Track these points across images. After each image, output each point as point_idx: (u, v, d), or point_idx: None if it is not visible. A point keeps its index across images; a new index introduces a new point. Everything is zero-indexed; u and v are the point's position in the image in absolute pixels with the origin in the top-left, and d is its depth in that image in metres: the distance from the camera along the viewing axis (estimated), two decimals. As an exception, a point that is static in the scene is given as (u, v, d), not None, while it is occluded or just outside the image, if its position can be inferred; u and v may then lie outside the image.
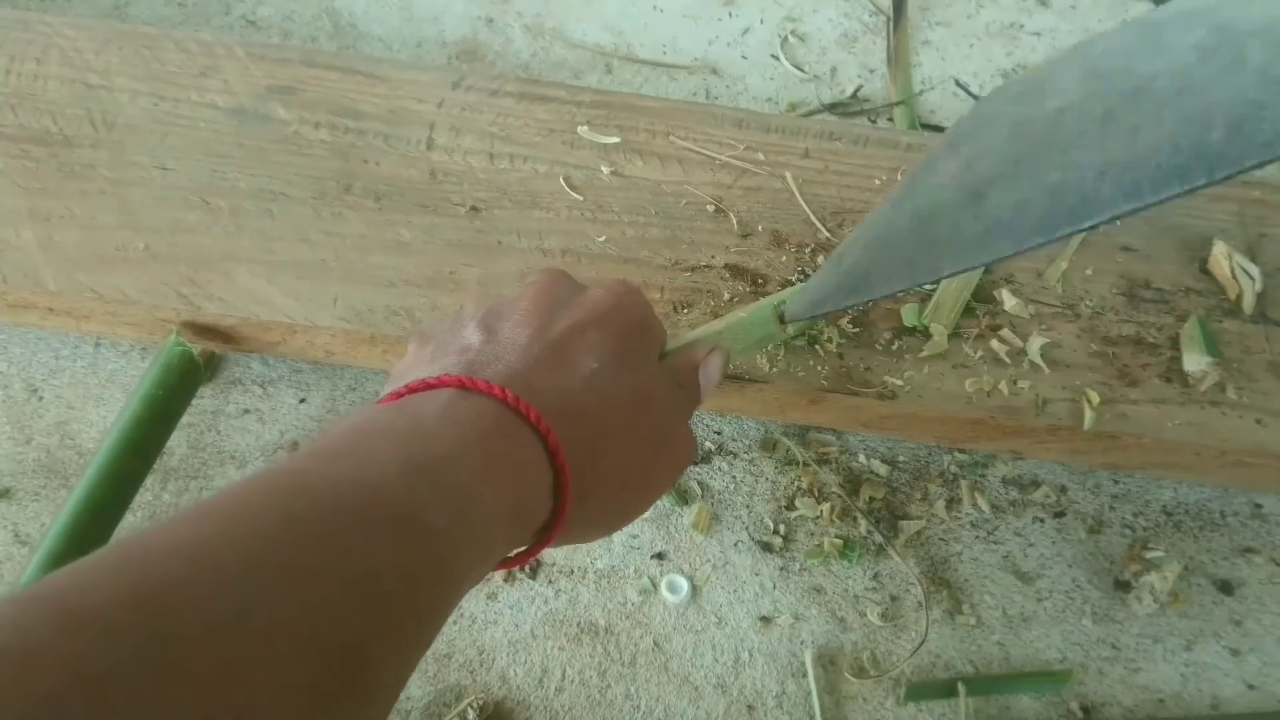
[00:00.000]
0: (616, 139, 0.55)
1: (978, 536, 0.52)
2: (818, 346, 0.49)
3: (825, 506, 0.51)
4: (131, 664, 0.18)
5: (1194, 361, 0.50)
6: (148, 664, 0.19)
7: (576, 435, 0.31)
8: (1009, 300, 0.51)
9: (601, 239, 0.51)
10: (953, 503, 0.53)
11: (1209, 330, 0.51)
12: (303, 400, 0.54)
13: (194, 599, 0.20)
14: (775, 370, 0.48)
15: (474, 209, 0.52)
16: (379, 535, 0.24)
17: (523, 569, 0.50)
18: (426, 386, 0.31)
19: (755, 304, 0.43)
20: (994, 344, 0.50)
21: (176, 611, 0.20)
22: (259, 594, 0.21)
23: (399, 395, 0.31)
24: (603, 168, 0.54)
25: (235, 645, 0.20)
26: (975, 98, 0.68)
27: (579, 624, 0.49)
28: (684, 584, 0.50)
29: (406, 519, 0.25)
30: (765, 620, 0.49)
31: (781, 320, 0.42)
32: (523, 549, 0.32)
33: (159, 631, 0.19)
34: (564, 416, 0.31)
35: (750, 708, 0.47)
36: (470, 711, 0.46)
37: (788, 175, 0.54)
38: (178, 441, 0.51)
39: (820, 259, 0.52)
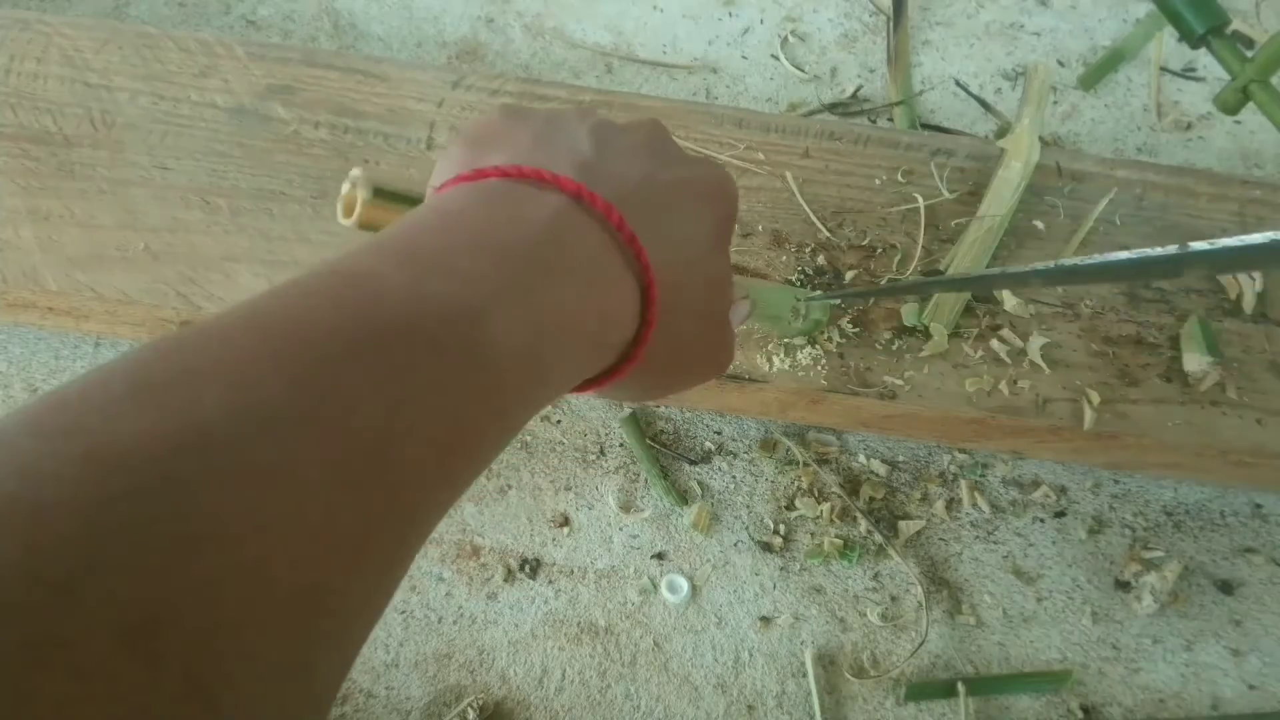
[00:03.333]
0: (616, 139, 0.54)
1: (978, 536, 0.52)
2: (818, 346, 0.49)
3: (825, 506, 0.51)
4: (156, 519, 0.16)
5: (1194, 361, 0.50)
6: (175, 519, 0.16)
7: (665, 290, 0.29)
8: (1009, 300, 0.51)
9: (601, 239, 0.51)
10: (953, 503, 0.53)
11: (1209, 330, 0.51)
12: (302, 400, 0.53)
13: (234, 443, 0.18)
14: (775, 370, 0.48)
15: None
16: (454, 376, 0.22)
17: (527, 571, 0.50)
18: (539, 178, 0.28)
19: (779, 285, 0.44)
20: (994, 344, 0.50)
21: (213, 457, 0.17)
22: (309, 441, 0.19)
23: (505, 174, 0.28)
24: (603, 167, 0.54)
25: (276, 500, 0.18)
26: (975, 98, 0.68)
27: (579, 624, 0.49)
28: (684, 584, 0.50)
29: (488, 362, 0.23)
30: (765, 620, 0.49)
31: (794, 311, 0.43)
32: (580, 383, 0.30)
33: (190, 480, 0.17)
34: (660, 266, 0.29)
35: (750, 708, 0.47)
36: (470, 711, 0.46)
37: (788, 175, 0.54)
38: (177, 441, 0.51)
39: (820, 259, 0.52)
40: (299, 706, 0.18)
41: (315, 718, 0.19)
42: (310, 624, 0.18)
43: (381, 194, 0.31)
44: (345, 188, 0.33)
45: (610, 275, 0.28)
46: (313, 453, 0.19)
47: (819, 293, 0.47)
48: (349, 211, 0.33)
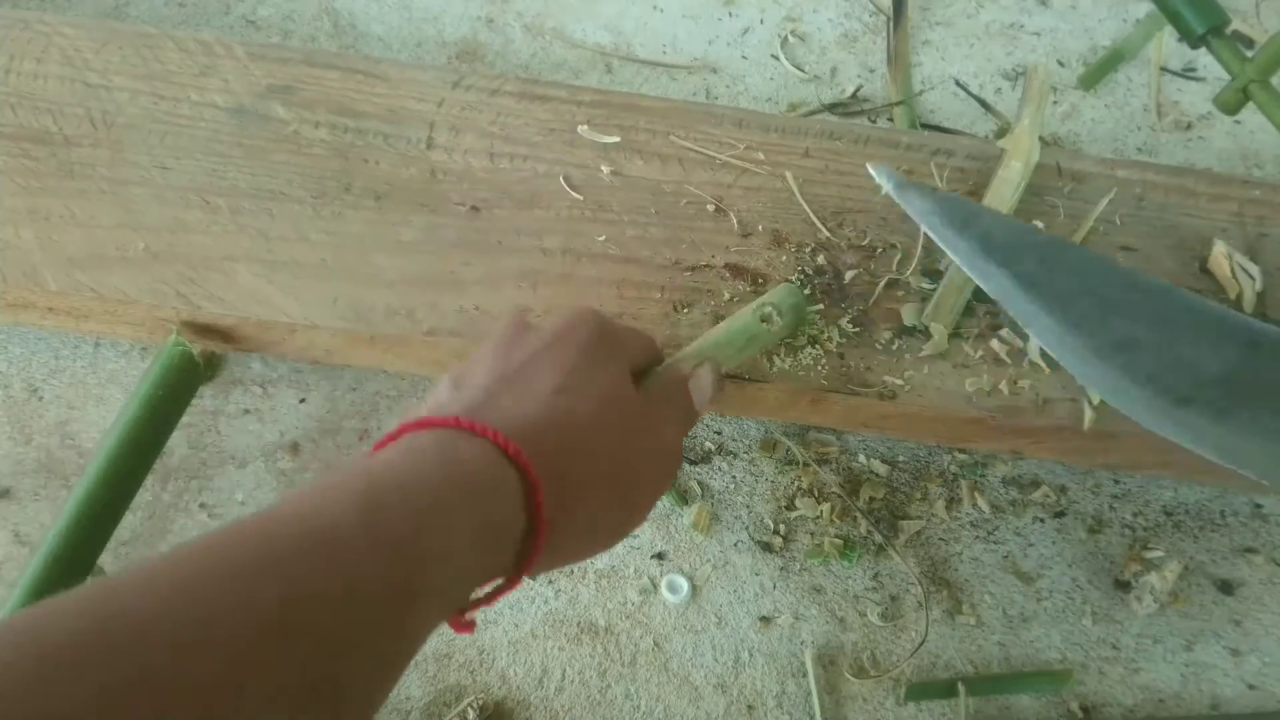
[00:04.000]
0: (617, 139, 0.55)
1: (978, 536, 0.52)
2: (818, 345, 0.49)
3: (825, 506, 0.51)
4: (98, 705, 0.19)
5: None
6: (115, 705, 0.19)
7: (545, 450, 0.32)
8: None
9: (602, 238, 0.51)
10: (953, 503, 0.53)
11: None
12: (303, 400, 0.53)
13: (164, 635, 0.20)
14: (775, 370, 0.48)
15: (474, 208, 0.52)
16: (340, 562, 0.25)
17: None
18: (389, 438, 0.32)
19: (738, 312, 0.45)
20: (994, 344, 0.50)
21: (144, 648, 0.20)
22: (229, 631, 0.21)
23: (390, 438, 0.32)
24: (603, 167, 0.54)
25: (206, 681, 0.20)
26: (975, 98, 0.68)
27: (579, 624, 0.49)
28: (684, 584, 0.50)
29: (368, 542, 0.26)
30: (765, 620, 0.49)
31: (764, 321, 0.44)
32: (502, 580, 0.32)
33: (125, 671, 0.19)
34: (529, 434, 0.32)
35: (750, 708, 0.47)
36: (470, 711, 0.46)
37: (788, 175, 0.54)
38: (178, 441, 0.51)
39: (820, 258, 0.52)
40: None
41: None
42: None
43: None
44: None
45: (478, 464, 0.30)
46: (207, 658, 0.21)
47: (780, 286, 0.47)
48: None
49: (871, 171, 0.46)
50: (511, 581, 0.32)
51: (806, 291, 0.50)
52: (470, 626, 0.31)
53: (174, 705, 0.20)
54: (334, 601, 0.24)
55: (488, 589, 0.31)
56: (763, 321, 0.44)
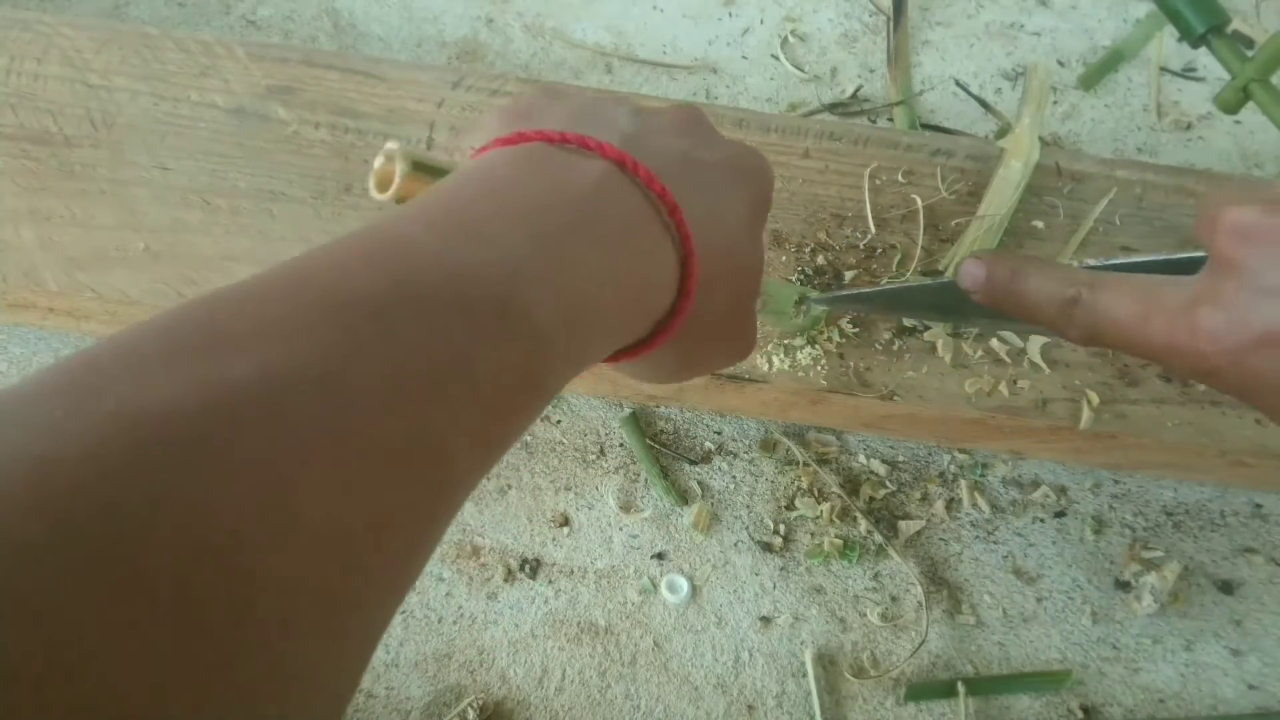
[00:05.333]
0: (616, 139, 0.54)
1: (978, 536, 0.52)
2: (818, 346, 0.49)
3: (825, 506, 0.51)
4: (185, 472, 0.16)
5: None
6: (201, 474, 0.16)
7: (703, 260, 0.29)
8: (1009, 300, 0.51)
9: (601, 239, 0.51)
10: (953, 503, 0.53)
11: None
12: (303, 400, 0.53)
13: (265, 402, 0.18)
14: (775, 370, 0.48)
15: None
16: (487, 336, 0.22)
17: (527, 570, 0.50)
18: (583, 144, 0.27)
19: (777, 282, 0.44)
20: (994, 344, 0.50)
21: (243, 414, 0.17)
22: (337, 403, 0.18)
23: (548, 139, 0.27)
24: (603, 168, 0.54)
25: (309, 455, 0.18)
26: (975, 98, 0.68)
27: (579, 624, 0.49)
28: (684, 584, 0.50)
29: (523, 331, 0.23)
30: (765, 620, 0.49)
31: (800, 305, 0.44)
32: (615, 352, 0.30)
33: (217, 438, 0.17)
34: (700, 240, 0.29)
35: (750, 708, 0.47)
36: (470, 711, 0.46)
37: (788, 175, 0.54)
38: (178, 441, 0.51)
39: (820, 259, 0.52)
40: (335, 665, 0.18)
41: (346, 681, 0.19)
42: (341, 573, 0.18)
43: (420, 167, 0.31)
44: (379, 161, 0.32)
45: (650, 243, 0.27)
46: (339, 415, 0.18)
47: (820, 293, 0.47)
48: (383, 186, 0.33)
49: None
50: (622, 356, 0.29)
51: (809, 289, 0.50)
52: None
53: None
54: (461, 381, 0.21)
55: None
56: (797, 309, 0.44)
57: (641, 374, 0.34)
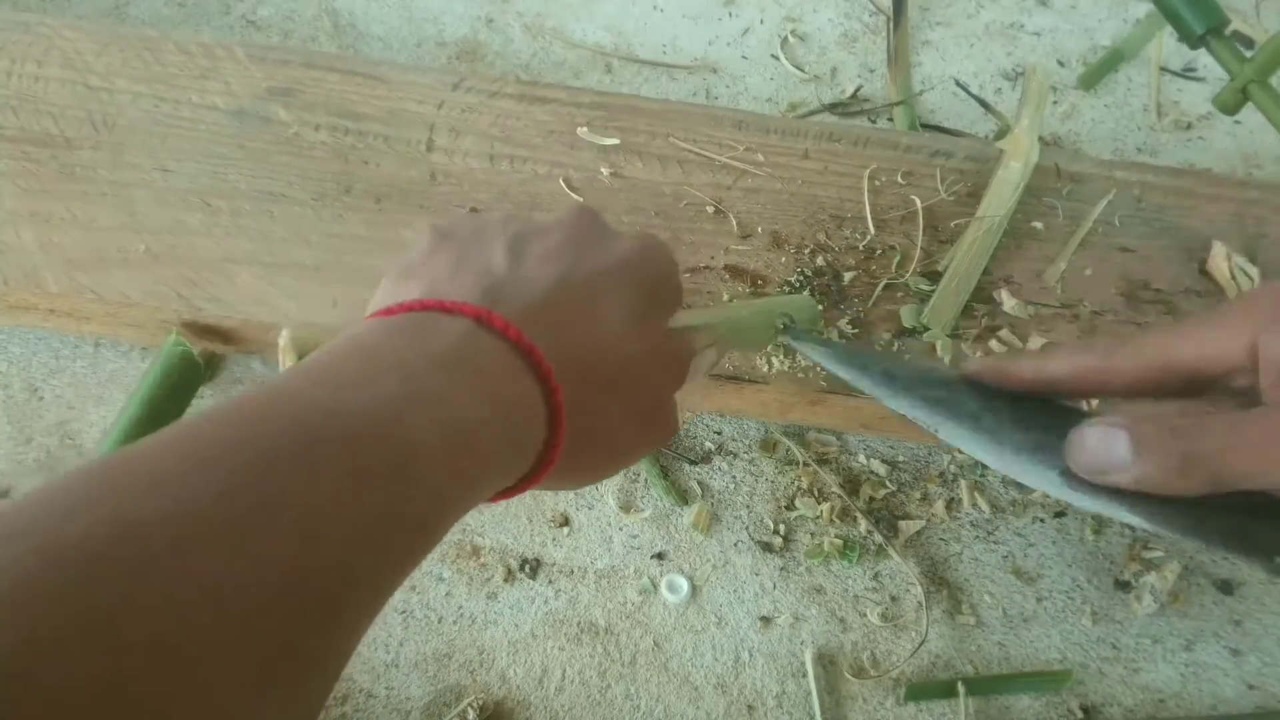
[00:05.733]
0: (616, 140, 0.55)
1: (978, 536, 0.52)
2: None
3: (825, 506, 0.51)
4: (122, 595, 0.18)
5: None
6: (139, 593, 0.18)
7: (578, 390, 0.30)
8: (1008, 301, 0.51)
9: (601, 240, 0.52)
10: (953, 503, 0.53)
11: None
12: (303, 401, 0.54)
13: (175, 533, 0.19)
14: (775, 371, 0.48)
15: (474, 210, 0.52)
16: (375, 476, 0.23)
17: (527, 570, 0.50)
18: (442, 308, 0.29)
19: (759, 303, 0.44)
20: (993, 345, 0.50)
21: (158, 545, 0.19)
22: (233, 544, 0.20)
23: (408, 308, 0.30)
24: (602, 169, 0.54)
25: (220, 580, 0.19)
26: (975, 98, 0.68)
27: (579, 624, 0.49)
28: (684, 584, 0.50)
29: (404, 461, 0.24)
30: (765, 620, 0.49)
31: (782, 329, 0.43)
32: (501, 489, 0.31)
33: (141, 563, 0.19)
34: (573, 369, 0.30)
35: (750, 708, 0.47)
36: (470, 711, 0.46)
37: (787, 176, 0.54)
38: (178, 442, 0.52)
39: (820, 260, 0.52)
40: None
41: None
42: (239, 697, 0.20)
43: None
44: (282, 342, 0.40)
45: (515, 385, 0.29)
46: (237, 556, 0.20)
47: (800, 296, 0.46)
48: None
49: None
50: (513, 491, 0.30)
51: (805, 292, 0.50)
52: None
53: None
54: (352, 520, 0.22)
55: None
56: (778, 329, 0.43)
57: (552, 488, 0.35)
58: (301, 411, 0.24)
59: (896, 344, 0.49)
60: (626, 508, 0.52)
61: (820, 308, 0.49)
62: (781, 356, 0.48)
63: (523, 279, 0.32)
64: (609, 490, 0.52)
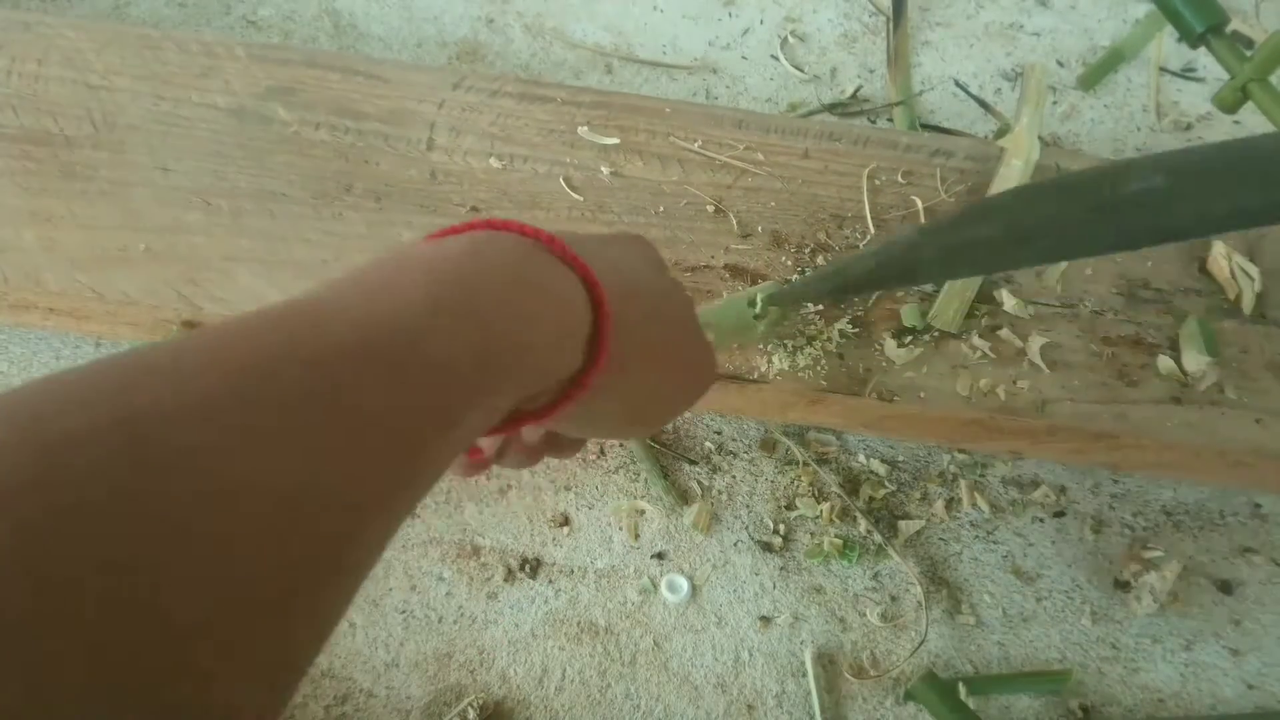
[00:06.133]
0: (616, 140, 0.55)
1: (977, 536, 0.52)
2: (818, 345, 0.49)
3: (825, 506, 0.51)
4: (114, 496, 0.17)
5: (1193, 360, 0.50)
6: (131, 496, 0.17)
7: (625, 309, 0.30)
8: (1009, 300, 0.51)
9: (601, 239, 0.52)
10: (952, 503, 0.53)
11: (1209, 329, 0.51)
12: (303, 400, 0.54)
13: (182, 429, 0.19)
14: (775, 371, 0.48)
15: (474, 209, 0.52)
16: (392, 378, 0.23)
17: (527, 570, 0.50)
18: (489, 226, 0.29)
19: (731, 298, 0.45)
20: (994, 344, 0.50)
21: (161, 442, 0.18)
22: (253, 435, 0.19)
23: (456, 230, 0.30)
24: (603, 168, 0.54)
25: (223, 483, 0.18)
26: (975, 98, 0.68)
27: (579, 624, 0.49)
28: (684, 584, 0.50)
29: (426, 363, 0.23)
30: (765, 620, 0.49)
31: (754, 309, 0.44)
32: (546, 404, 0.30)
33: (144, 460, 0.18)
34: (617, 292, 0.30)
35: (750, 707, 0.47)
36: (470, 711, 0.46)
37: (788, 176, 0.54)
38: (178, 441, 0.52)
39: (820, 259, 0.52)
40: (261, 703, 0.19)
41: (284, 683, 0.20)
42: (257, 618, 0.19)
43: None
44: None
45: (562, 285, 0.29)
46: (251, 455, 0.19)
47: (766, 289, 0.46)
48: None
49: None
50: (560, 403, 0.30)
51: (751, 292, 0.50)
52: (486, 464, 0.31)
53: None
54: (364, 423, 0.22)
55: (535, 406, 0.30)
56: (753, 314, 0.44)
57: (598, 424, 0.35)
58: (320, 317, 0.23)
59: (896, 341, 0.49)
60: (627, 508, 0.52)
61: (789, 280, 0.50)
62: (781, 355, 0.48)
63: (592, 239, 0.33)
64: (609, 490, 0.52)
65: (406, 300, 0.24)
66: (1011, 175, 0.53)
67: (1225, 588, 0.51)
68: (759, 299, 0.45)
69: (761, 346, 0.48)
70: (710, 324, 0.42)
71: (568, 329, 0.29)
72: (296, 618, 0.20)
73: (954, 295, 0.51)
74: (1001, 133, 0.64)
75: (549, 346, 0.28)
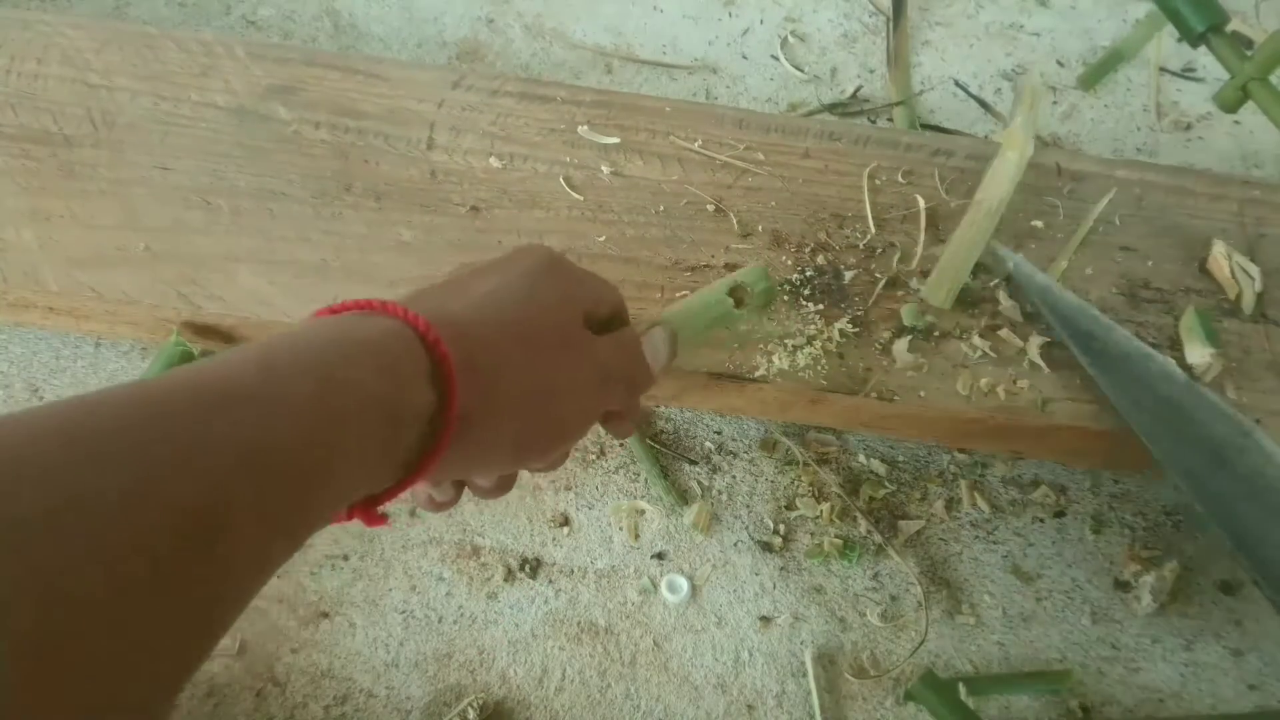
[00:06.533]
0: (617, 139, 0.55)
1: (977, 536, 0.52)
2: (817, 345, 0.49)
3: (825, 506, 0.51)
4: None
5: (1196, 353, 0.50)
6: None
7: (466, 340, 0.30)
8: (1005, 301, 0.51)
9: (601, 239, 0.52)
10: (952, 503, 0.53)
11: (1208, 320, 0.51)
12: (303, 400, 0.53)
13: (15, 476, 0.19)
14: (775, 370, 0.48)
15: (474, 209, 0.52)
16: (224, 419, 0.23)
17: (527, 570, 0.50)
18: (358, 307, 0.30)
19: (707, 287, 0.43)
20: (994, 344, 0.50)
21: None
22: (86, 474, 0.20)
23: (334, 311, 0.30)
24: (603, 168, 0.54)
25: (59, 529, 0.19)
26: (975, 98, 0.68)
27: (579, 624, 0.49)
28: (684, 584, 0.50)
29: (258, 401, 0.24)
30: (765, 620, 0.49)
31: (733, 298, 0.42)
32: (403, 476, 0.30)
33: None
34: (451, 322, 0.30)
35: (750, 707, 0.47)
36: (470, 711, 0.46)
37: (788, 175, 0.54)
38: (178, 441, 0.51)
39: (820, 259, 0.52)
40: None
41: None
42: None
43: None
44: None
45: (398, 349, 0.29)
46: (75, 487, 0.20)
47: (748, 267, 0.45)
48: None
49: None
50: (417, 472, 0.29)
51: (806, 292, 0.50)
52: (382, 519, 0.30)
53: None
54: (228, 460, 0.22)
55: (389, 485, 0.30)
56: (731, 299, 0.43)
57: (484, 465, 0.34)
58: (162, 381, 0.24)
59: (897, 343, 0.49)
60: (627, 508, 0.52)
61: (806, 292, 0.49)
62: (781, 355, 0.48)
63: (433, 289, 0.34)
64: (609, 490, 0.52)
65: (241, 363, 0.25)
66: (1007, 166, 0.53)
67: (1225, 588, 0.51)
68: (738, 289, 0.43)
69: (761, 346, 0.48)
70: (676, 325, 0.41)
71: (403, 410, 0.28)
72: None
73: (946, 275, 0.51)
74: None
75: (386, 429, 0.28)
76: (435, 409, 0.29)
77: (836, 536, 0.51)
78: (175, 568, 0.21)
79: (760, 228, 0.53)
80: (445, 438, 0.29)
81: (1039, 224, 0.54)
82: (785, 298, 0.50)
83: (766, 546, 0.51)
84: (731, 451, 0.53)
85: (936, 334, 0.50)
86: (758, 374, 0.48)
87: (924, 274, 0.52)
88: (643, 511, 0.52)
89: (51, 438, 0.21)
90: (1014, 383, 0.49)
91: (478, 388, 0.30)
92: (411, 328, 0.29)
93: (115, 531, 0.20)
